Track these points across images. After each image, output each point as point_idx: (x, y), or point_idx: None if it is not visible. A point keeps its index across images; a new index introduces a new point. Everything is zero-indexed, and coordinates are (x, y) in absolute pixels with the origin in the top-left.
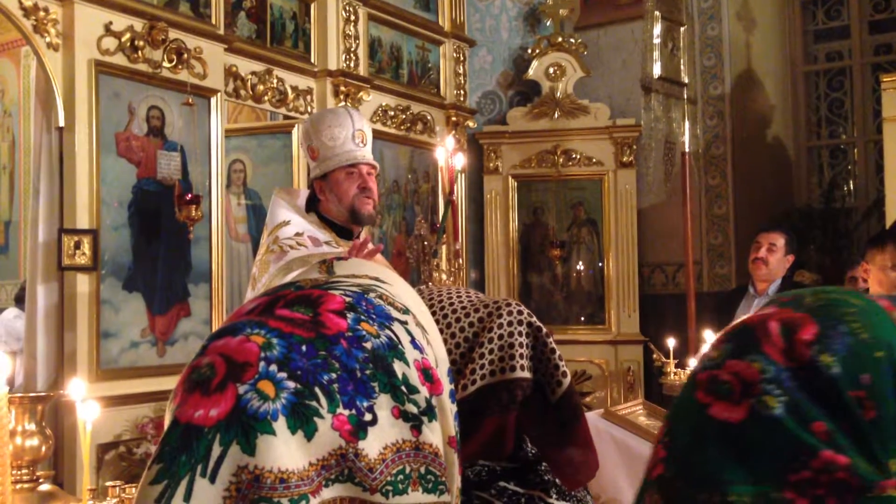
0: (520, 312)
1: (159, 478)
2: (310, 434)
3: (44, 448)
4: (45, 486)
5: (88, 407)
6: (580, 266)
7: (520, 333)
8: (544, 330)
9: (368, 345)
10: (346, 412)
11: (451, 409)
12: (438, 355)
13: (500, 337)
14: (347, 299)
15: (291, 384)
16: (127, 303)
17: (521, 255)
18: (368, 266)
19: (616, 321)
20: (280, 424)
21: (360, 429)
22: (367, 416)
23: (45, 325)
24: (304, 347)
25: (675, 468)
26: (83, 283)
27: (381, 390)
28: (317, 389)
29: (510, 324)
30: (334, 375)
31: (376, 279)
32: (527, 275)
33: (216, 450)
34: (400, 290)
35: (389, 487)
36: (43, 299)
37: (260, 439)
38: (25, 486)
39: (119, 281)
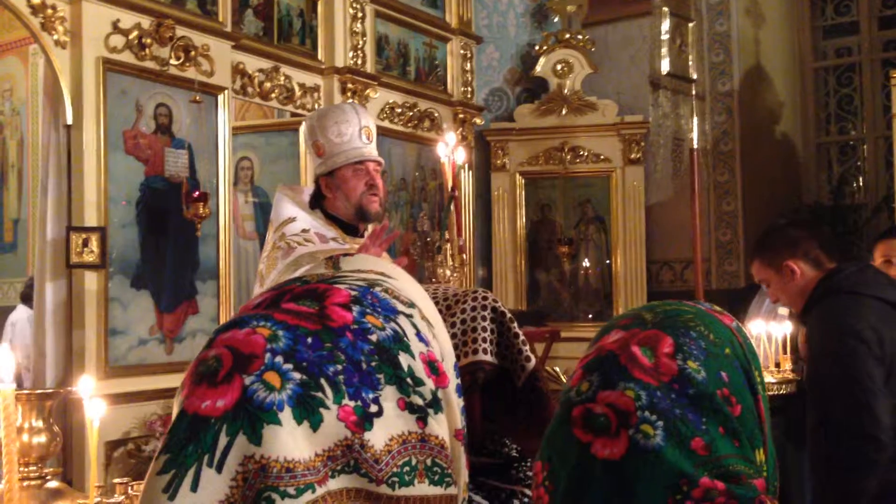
0: (484, 298)
1: (167, 468)
2: (315, 425)
3: (52, 445)
4: (53, 483)
5: (95, 404)
6: (588, 263)
7: (483, 318)
8: (508, 315)
9: (374, 337)
10: (352, 403)
11: (457, 402)
12: (444, 349)
13: (463, 321)
14: (353, 293)
15: (297, 375)
16: (135, 300)
17: (528, 252)
18: (374, 262)
19: None
20: (286, 415)
21: (365, 420)
22: (373, 408)
23: (54, 323)
24: (309, 339)
25: None
26: (91, 280)
27: (387, 382)
28: (322, 381)
29: (473, 308)
30: (340, 367)
31: (382, 274)
32: (534, 272)
33: (223, 440)
34: (405, 284)
35: (395, 479)
36: (51, 297)
37: (266, 429)
38: (33, 483)
39: (127, 278)
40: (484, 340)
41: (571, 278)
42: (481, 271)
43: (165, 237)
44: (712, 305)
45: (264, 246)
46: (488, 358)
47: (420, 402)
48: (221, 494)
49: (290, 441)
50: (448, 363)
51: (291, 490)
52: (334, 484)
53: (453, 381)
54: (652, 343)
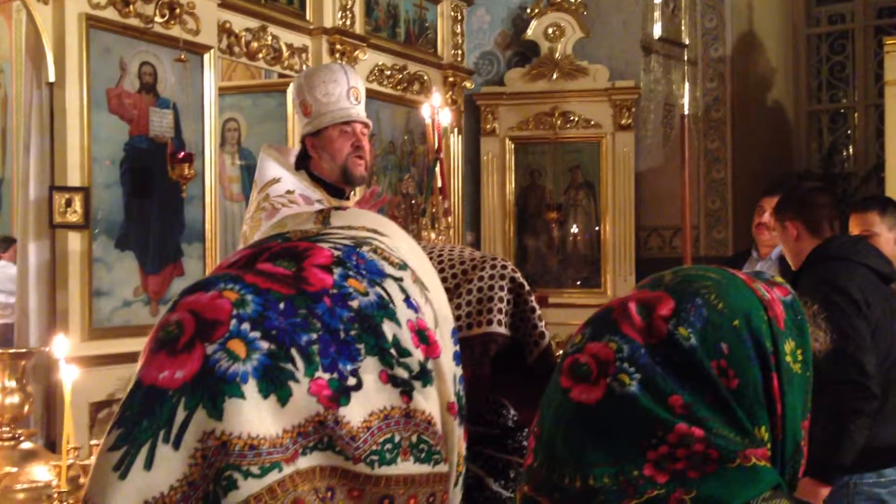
0: (503, 267)
1: (119, 444)
2: (284, 399)
3: (25, 406)
4: (27, 444)
5: (69, 366)
6: (576, 229)
7: (500, 288)
8: (526, 287)
9: (355, 303)
10: (327, 376)
11: (452, 372)
12: (440, 313)
13: (480, 290)
14: (336, 253)
15: (265, 345)
16: (119, 261)
17: (517, 217)
18: (367, 217)
19: (612, 285)
20: (250, 387)
21: (341, 394)
22: (351, 381)
23: (37, 283)
24: (282, 305)
25: (541, 456)
26: (75, 241)
27: (368, 353)
28: (293, 351)
29: (491, 277)
30: (315, 336)
31: (374, 231)
32: (523, 238)
33: (181, 414)
34: (399, 242)
35: (375, 457)
36: (34, 257)
37: (227, 403)
38: (6, 444)
39: (111, 239)
40: (500, 311)
41: (560, 244)
42: (469, 236)
43: (150, 198)
44: (763, 275)
45: (248, 206)
46: (502, 330)
47: (405, 374)
48: (179, 473)
49: (255, 416)
50: (444, 329)
51: (255, 469)
52: (305, 462)
53: (449, 348)
54: (651, 303)
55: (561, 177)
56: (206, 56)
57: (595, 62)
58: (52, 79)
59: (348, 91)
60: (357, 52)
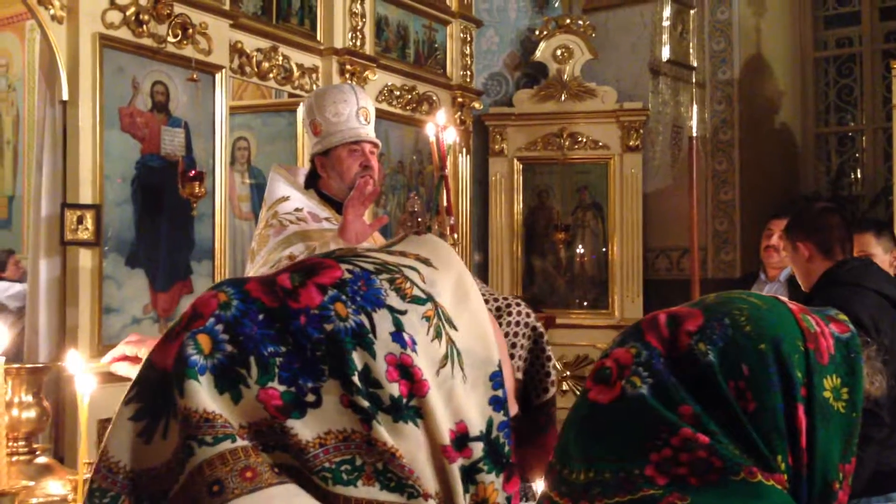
0: (528, 315)
1: (139, 416)
2: (236, 399)
3: (41, 420)
4: (43, 459)
5: (86, 379)
6: (584, 250)
7: (523, 335)
8: (546, 337)
9: (329, 326)
10: (282, 388)
11: (445, 416)
12: (472, 355)
13: (506, 335)
14: (346, 276)
15: (229, 348)
16: (129, 279)
17: (525, 238)
18: (430, 246)
19: (620, 306)
20: (206, 379)
21: (295, 407)
22: (310, 397)
23: (48, 300)
24: (260, 316)
25: (558, 453)
26: (86, 258)
27: (331, 375)
28: (251, 359)
29: (517, 324)
30: (283, 349)
31: (425, 261)
32: (531, 258)
33: (177, 396)
34: (441, 276)
35: (328, 474)
36: (45, 274)
37: (187, 383)
38: (22, 458)
39: (122, 257)
40: (520, 358)
41: (567, 265)
42: (477, 256)
43: (161, 216)
44: (827, 310)
45: (257, 224)
46: (520, 376)
47: (365, 404)
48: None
49: (210, 400)
50: (480, 371)
51: (209, 438)
52: (268, 459)
53: (482, 392)
54: (681, 318)
55: (569, 197)
56: (217, 76)
57: (603, 84)
58: (65, 97)
59: (357, 111)
60: (367, 73)
